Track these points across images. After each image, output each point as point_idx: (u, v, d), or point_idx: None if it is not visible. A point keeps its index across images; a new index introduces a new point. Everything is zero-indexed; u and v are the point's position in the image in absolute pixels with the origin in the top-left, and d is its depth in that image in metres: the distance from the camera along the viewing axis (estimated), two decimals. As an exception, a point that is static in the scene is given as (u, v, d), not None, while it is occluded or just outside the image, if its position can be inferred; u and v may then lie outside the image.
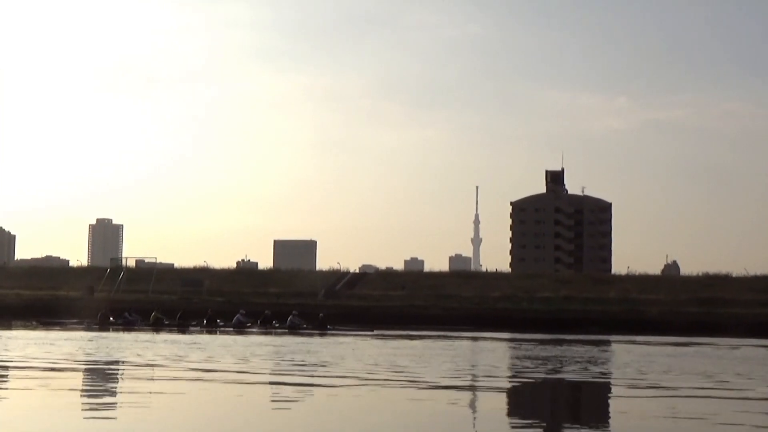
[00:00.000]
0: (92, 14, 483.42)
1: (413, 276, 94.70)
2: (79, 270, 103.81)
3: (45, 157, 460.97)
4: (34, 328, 46.08)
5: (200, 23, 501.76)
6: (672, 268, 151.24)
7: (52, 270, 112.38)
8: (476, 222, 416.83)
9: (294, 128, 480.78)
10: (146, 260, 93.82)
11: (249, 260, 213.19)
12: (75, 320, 50.96)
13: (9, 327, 48.20)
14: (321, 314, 50.99)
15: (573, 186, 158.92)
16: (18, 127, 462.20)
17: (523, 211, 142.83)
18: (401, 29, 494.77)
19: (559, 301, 77.43)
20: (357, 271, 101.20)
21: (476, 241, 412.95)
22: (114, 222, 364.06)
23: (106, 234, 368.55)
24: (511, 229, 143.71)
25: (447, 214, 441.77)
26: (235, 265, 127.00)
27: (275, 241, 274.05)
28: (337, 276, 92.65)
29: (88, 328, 46.71)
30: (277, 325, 49.22)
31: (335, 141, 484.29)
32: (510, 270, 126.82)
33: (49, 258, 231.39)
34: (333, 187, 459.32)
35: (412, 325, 57.59)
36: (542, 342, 40.41)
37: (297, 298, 75.09)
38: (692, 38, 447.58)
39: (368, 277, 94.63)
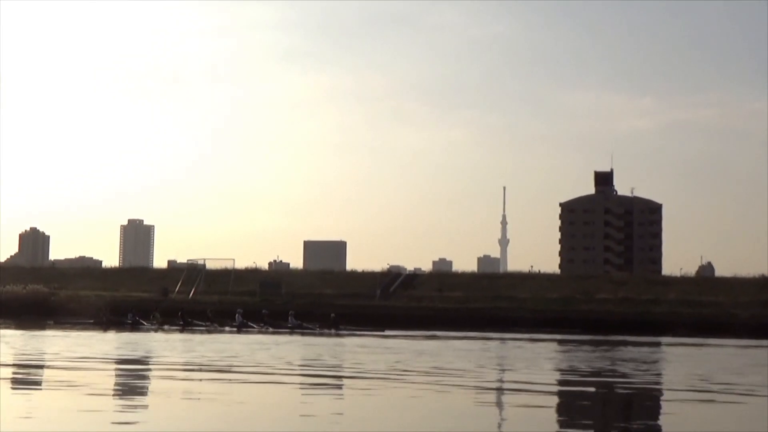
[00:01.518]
0: (120, 17, 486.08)
1: (466, 277, 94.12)
2: (136, 270, 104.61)
3: (76, 158, 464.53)
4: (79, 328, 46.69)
5: (226, 25, 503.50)
6: (707, 269, 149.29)
7: (104, 271, 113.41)
8: (503, 223, 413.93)
9: (319, 129, 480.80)
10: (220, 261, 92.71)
11: (281, 261, 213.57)
12: (90, 320, 51.71)
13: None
14: (332, 314, 51.66)
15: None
16: (50, 130, 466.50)
17: (572, 212, 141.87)
18: (426, 29, 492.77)
19: (617, 302, 76.59)
20: (410, 271, 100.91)
21: (503, 242, 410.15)
22: (145, 223, 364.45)
23: (137, 235, 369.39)
24: (560, 230, 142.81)
25: (474, 215, 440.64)
26: (267, 266, 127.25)
27: (305, 242, 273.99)
28: (389, 277, 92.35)
29: (104, 328, 47.49)
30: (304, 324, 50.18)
31: (360, 142, 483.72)
32: (559, 271, 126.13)
33: (82, 258, 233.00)
34: (360, 188, 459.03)
35: (471, 326, 57.28)
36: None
37: (354, 299, 75.08)
38: (718, 37, 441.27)
39: (421, 277, 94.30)
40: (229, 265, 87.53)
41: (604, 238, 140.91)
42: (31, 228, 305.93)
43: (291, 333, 46.66)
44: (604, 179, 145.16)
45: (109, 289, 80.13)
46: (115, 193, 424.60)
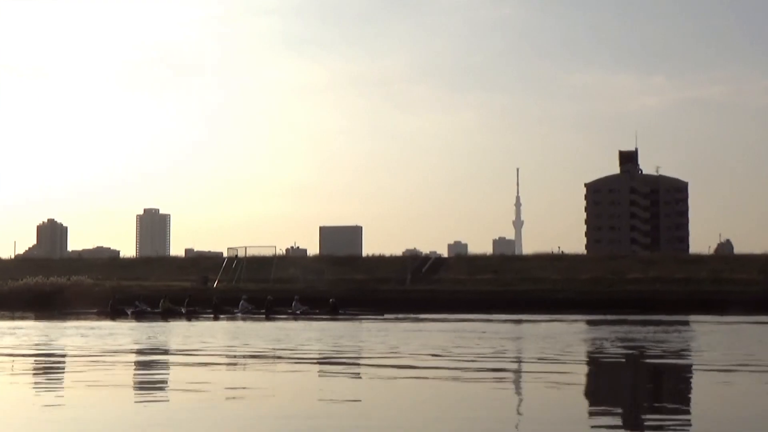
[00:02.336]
0: (122, 8, 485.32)
1: (495, 259, 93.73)
2: (166, 260, 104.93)
3: (90, 149, 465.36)
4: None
5: (232, 12, 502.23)
6: (726, 247, 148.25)
7: (132, 261, 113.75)
8: (517, 204, 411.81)
9: (328, 114, 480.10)
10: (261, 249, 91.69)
11: (298, 247, 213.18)
12: (93, 309, 51.79)
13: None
14: (331, 299, 51.24)
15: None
16: (65, 123, 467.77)
17: (597, 193, 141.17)
18: (434, 12, 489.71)
19: (649, 282, 76.02)
20: (441, 255, 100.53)
21: (518, 224, 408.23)
22: (161, 212, 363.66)
23: (153, 224, 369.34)
24: (585, 210, 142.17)
25: (487, 198, 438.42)
26: (284, 252, 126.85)
27: (321, 228, 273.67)
28: (418, 260, 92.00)
29: (112, 317, 47.54)
30: (299, 311, 49.92)
31: (369, 126, 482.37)
32: (585, 252, 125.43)
33: (100, 249, 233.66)
34: (371, 172, 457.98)
35: (506, 309, 56.88)
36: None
37: (383, 283, 74.83)
38: (728, 13, 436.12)
39: (450, 261, 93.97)
40: (270, 252, 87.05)
41: (631, 218, 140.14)
42: (48, 219, 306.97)
43: (295, 319, 46.34)
44: (628, 158, 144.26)
45: (133, 280, 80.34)
46: (131, 182, 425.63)
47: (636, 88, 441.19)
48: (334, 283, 71.22)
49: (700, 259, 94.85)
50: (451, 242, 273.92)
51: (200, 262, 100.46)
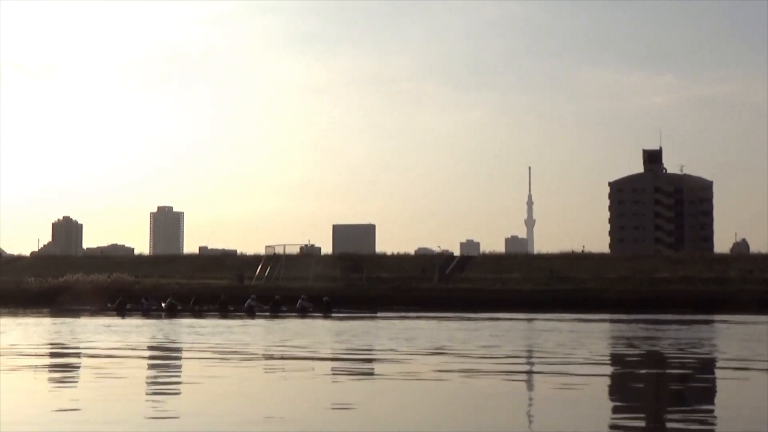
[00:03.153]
0: (131, 7, 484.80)
1: (521, 258, 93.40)
2: (188, 258, 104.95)
3: (102, 146, 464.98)
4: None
5: (239, 10, 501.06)
6: (742, 246, 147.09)
7: (155, 258, 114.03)
8: (529, 203, 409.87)
9: (340, 113, 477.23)
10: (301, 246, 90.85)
11: (312, 245, 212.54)
12: (90, 307, 52.13)
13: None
14: (325, 298, 51.62)
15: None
16: (76, 120, 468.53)
17: (621, 192, 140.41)
18: (444, 9, 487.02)
19: (678, 281, 75.49)
20: (464, 253, 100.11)
21: (530, 223, 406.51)
22: (174, 210, 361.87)
23: (167, 221, 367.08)
24: (609, 209, 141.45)
25: (498, 196, 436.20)
26: (298, 250, 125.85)
27: (334, 226, 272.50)
28: (443, 259, 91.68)
29: (119, 314, 47.69)
30: (285, 309, 50.54)
31: (381, 124, 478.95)
32: (609, 251, 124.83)
33: (114, 246, 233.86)
34: (383, 170, 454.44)
35: (544, 307, 56.55)
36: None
37: (410, 282, 74.61)
38: (737, 11, 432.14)
39: (475, 259, 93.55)
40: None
41: (655, 217, 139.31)
42: (64, 217, 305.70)
43: (302, 317, 46.52)
44: (653, 157, 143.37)
45: (160, 277, 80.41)
46: (142, 180, 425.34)
47: (646, 87, 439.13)
48: (354, 281, 70.90)
49: (726, 258, 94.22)
50: (463, 240, 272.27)
51: (223, 260, 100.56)
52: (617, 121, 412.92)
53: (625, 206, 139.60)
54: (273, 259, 79.76)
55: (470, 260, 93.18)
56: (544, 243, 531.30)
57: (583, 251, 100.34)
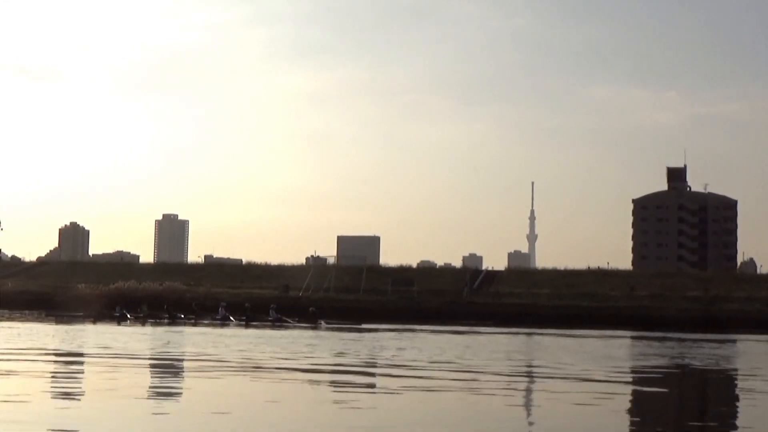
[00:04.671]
0: (136, 13, 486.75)
1: (548, 273, 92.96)
2: (212, 266, 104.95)
3: (111, 153, 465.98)
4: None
5: (244, 18, 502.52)
6: (749, 265, 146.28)
7: (181, 267, 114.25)
8: (531, 218, 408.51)
9: (339, 123, 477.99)
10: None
11: (318, 255, 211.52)
12: (80, 313, 52.44)
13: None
14: (311, 308, 51.84)
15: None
16: (79, 126, 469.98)
17: (645, 209, 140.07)
18: (445, 22, 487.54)
19: (709, 300, 75.16)
20: (491, 268, 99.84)
21: (532, 238, 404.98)
22: (180, 218, 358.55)
23: (172, 229, 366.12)
24: (633, 226, 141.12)
25: (500, 211, 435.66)
26: (304, 261, 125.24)
27: (339, 237, 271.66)
28: (470, 273, 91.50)
29: (96, 321, 47.92)
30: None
31: (381, 136, 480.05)
32: (631, 268, 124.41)
33: (120, 253, 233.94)
34: (384, 183, 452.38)
35: (575, 324, 56.28)
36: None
37: (440, 296, 74.36)
38: (739, 29, 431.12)
39: (503, 274, 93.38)
40: (359, 261, 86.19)
41: (678, 235, 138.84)
42: (71, 223, 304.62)
43: (272, 326, 46.79)
44: (677, 175, 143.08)
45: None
46: (147, 187, 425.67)
47: (650, 103, 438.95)
48: (403, 294, 70.35)
49: (756, 278, 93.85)
50: (466, 254, 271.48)
51: (249, 270, 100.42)
52: (619, 137, 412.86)
53: (648, 223, 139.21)
54: (319, 270, 78.86)
55: (497, 275, 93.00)
56: (547, 258, 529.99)
57: (608, 267, 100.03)
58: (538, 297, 74.96)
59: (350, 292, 69.73)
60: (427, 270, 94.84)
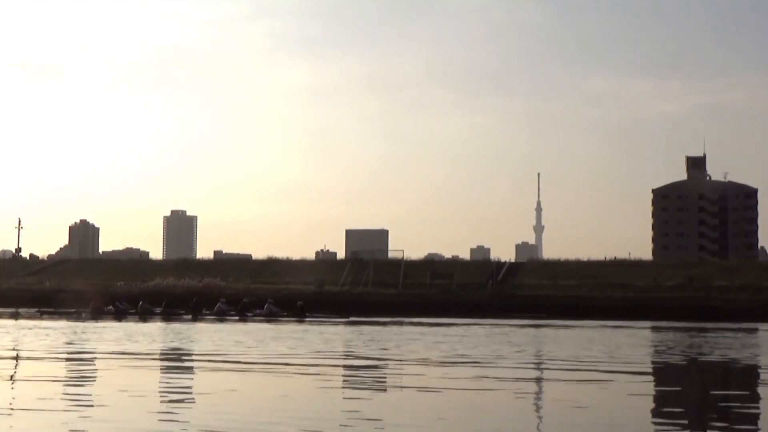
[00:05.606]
0: (139, 8, 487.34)
1: (572, 265, 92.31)
2: (233, 262, 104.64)
3: (119, 149, 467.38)
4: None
5: (247, 13, 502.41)
6: (761, 253, 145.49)
7: (203, 263, 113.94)
8: (538, 209, 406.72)
9: (342, 116, 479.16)
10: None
11: (328, 250, 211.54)
12: (72, 309, 52.21)
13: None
14: (299, 302, 51.64)
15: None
16: (82, 123, 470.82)
17: (665, 198, 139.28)
18: (448, 14, 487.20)
19: (737, 290, 74.43)
20: (512, 260, 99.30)
21: (539, 229, 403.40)
22: (188, 213, 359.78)
23: (180, 225, 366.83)
24: (652, 216, 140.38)
25: (507, 202, 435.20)
26: (314, 256, 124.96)
27: (347, 231, 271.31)
28: (493, 266, 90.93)
29: (92, 318, 47.65)
30: (257, 311, 50.60)
31: (385, 130, 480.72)
32: (652, 258, 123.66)
33: (129, 250, 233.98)
34: (389, 176, 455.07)
35: (608, 315, 55.72)
36: None
37: (466, 289, 73.89)
38: (742, 18, 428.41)
39: (526, 266, 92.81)
40: (397, 255, 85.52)
41: (699, 224, 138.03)
42: (81, 220, 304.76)
43: (268, 321, 46.56)
44: (696, 164, 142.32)
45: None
46: (155, 183, 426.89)
47: (652, 93, 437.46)
48: (443, 287, 69.79)
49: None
50: (474, 246, 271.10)
51: (270, 266, 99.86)
52: (622, 127, 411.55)
53: (668, 213, 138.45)
54: (357, 264, 78.29)
55: (520, 267, 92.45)
56: (554, 249, 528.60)
57: (630, 258, 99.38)
58: (569, 288, 74.38)
59: (389, 286, 68.87)
60: (447, 263, 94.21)
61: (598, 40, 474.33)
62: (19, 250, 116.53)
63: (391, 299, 54.44)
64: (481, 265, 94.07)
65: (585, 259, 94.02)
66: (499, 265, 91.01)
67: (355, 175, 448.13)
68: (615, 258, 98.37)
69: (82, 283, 76.30)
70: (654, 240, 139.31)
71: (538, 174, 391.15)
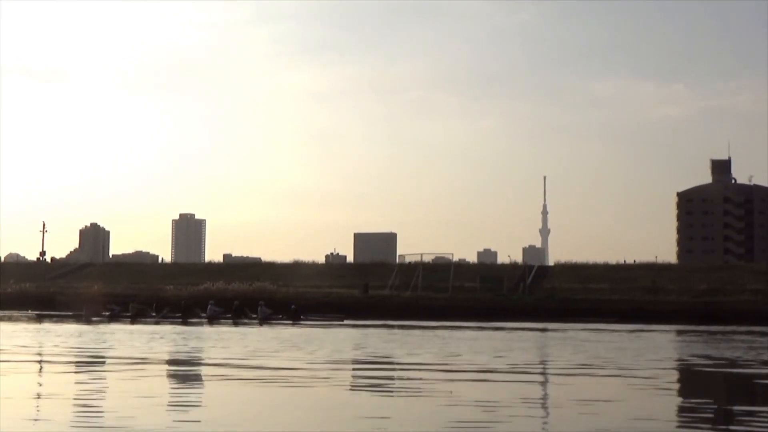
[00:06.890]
0: (141, 13, 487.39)
1: (600, 268, 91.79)
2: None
3: (128, 154, 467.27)
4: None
5: (251, 17, 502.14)
6: None
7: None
8: (544, 213, 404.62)
9: (347, 120, 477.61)
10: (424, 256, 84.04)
11: (338, 253, 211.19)
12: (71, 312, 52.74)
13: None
14: (293, 305, 51.86)
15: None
16: (88, 127, 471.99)
17: (690, 202, 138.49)
18: (451, 18, 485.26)
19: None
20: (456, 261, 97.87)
21: (545, 232, 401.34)
22: (197, 217, 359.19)
23: (189, 229, 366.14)
24: (677, 219, 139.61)
25: (513, 206, 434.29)
26: (323, 260, 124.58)
27: (356, 234, 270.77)
28: (521, 269, 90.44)
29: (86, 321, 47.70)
30: (253, 315, 50.55)
31: (390, 134, 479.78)
32: (677, 261, 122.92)
33: (139, 254, 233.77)
34: (395, 180, 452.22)
35: (644, 319, 55.29)
36: None
37: (491, 293, 73.40)
38: (745, 20, 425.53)
39: (554, 269, 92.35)
40: (447, 258, 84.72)
41: (724, 228, 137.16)
42: (91, 223, 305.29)
43: (261, 324, 46.36)
44: (722, 168, 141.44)
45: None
46: (164, 187, 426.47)
47: (656, 97, 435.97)
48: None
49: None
50: (480, 250, 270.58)
51: (300, 269, 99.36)
52: (627, 131, 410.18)
53: (693, 217, 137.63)
54: (408, 269, 76.97)
55: (548, 270, 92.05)
56: (560, 253, 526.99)
57: (657, 261, 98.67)
58: (602, 292, 73.86)
59: (440, 290, 68.13)
60: (475, 267, 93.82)
61: (603, 44, 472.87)
62: (43, 253, 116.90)
63: (443, 303, 54.02)
64: (508, 269, 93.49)
65: (613, 262, 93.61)
66: (528, 268, 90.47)
67: (360, 179, 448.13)
68: (634, 261, 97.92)
69: (115, 286, 76.45)
70: (679, 243, 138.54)
71: (544, 177, 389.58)
